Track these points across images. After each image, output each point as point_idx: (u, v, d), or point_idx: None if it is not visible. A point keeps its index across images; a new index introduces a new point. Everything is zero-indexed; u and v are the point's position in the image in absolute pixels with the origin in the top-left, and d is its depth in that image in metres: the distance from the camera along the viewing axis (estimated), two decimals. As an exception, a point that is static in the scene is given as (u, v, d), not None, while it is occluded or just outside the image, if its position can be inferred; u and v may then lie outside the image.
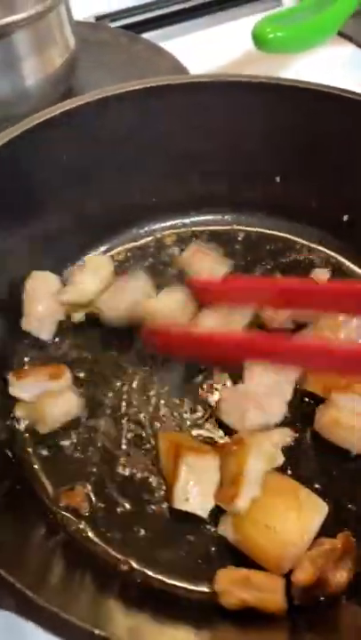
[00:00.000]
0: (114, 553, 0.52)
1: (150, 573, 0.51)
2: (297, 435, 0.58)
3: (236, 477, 0.50)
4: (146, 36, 1.10)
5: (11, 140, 0.61)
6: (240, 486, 0.49)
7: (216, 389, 0.63)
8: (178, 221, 0.77)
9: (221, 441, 0.59)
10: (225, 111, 0.70)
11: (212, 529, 0.53)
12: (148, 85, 0.67)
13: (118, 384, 0.63)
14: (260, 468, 0.50)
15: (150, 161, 0.72)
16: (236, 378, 0.63)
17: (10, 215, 0.64)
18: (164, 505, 0.55)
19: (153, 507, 0.55)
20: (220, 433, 0.60)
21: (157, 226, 0.77)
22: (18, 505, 0.52)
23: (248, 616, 0.46)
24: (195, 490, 0.52)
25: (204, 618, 0.48)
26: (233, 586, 0.45)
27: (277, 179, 0.74)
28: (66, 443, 0.59)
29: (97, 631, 0.33)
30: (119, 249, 0.75)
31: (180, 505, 0.52)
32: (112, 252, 0.75)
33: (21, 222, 0.66)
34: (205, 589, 0.50)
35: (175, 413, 0.61)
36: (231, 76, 0.69)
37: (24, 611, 0.34)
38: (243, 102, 0.69)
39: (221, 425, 0.60)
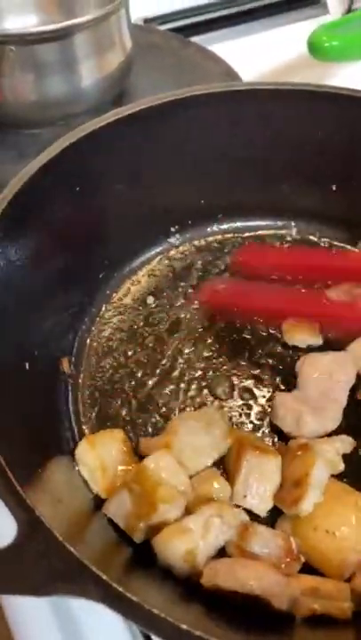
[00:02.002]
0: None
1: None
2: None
3: (302, 480, 0.50)
4: (194, 39, 1.11)
5: (78, 140, 0.62)
6: (305, 489, 0.50)
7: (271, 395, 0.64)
8: (230, 225, 0.78)
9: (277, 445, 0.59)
10: (285, 118, 0.71)
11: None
12: (213, 91, 0.68)
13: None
14: (325, 474, 0.51)
15: (208, 165, 0.73)
16: (290, 384, 0.64)
17: (71, 215, 0.65)
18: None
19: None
20: (275, 438, 0.61)
21: (211, 229, 0.77)
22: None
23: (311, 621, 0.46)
24: (254, 488, 0.53)
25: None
26: (302, 596, 0.45)
27: (333, 187, 0.75)
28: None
29: (184, 626, 0.34)
30: (173, 252, 0.76)
31: (238, 501, 0.53)
32: (168, 254, 0.76)
33: (81, 223, 0.67)
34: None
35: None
36: (297, 84, 0.69)
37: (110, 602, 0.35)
38: (304, 110, 0.70)
39: (275, 430, 0.61)
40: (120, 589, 0.35)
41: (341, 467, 0.54)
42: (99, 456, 0.55)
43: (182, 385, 0.64)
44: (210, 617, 0.42)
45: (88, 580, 0.36)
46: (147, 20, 1.18)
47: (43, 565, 0.36)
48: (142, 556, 0.49)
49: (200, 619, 0.41)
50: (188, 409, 0.62)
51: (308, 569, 0.50)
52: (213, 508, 0.49)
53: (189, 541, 0.47)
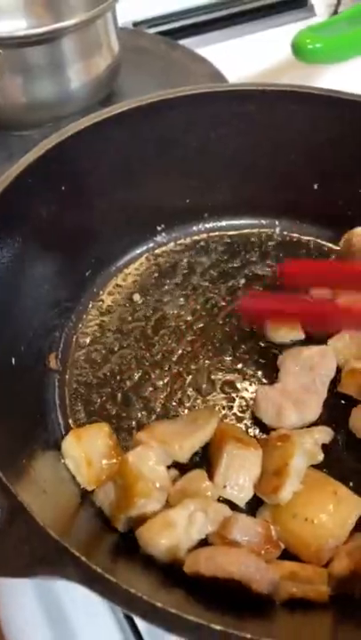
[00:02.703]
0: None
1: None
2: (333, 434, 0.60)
3: (281, 470, 0.52)
4: (182, 42, 1.13)
5: (65, 140, 0.63)
6: (285, 478, 0.51)
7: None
8: (216, 224, 0.80)
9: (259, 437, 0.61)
10: (268, 119, 0.73)
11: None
12: (200, 91, 0.69)
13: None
14: (303, 463, 0.53)
15: (193, 165, 0.75)
16: (272, 378, 0.65)
17: (57, 214, 0.66)
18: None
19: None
20: (257, 430, 0.62)
21: (195, 228, 0.79)
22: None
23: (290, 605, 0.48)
24: (234, 478, 0.54)
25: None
26: (282, 580, 0.47)
27: (315, 186, 0.76)
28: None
29: (159, 604, 0.35)
30: (159, 250, 0.78)
31: (218, 491, 0.54)
32: (154, 252, 0.77)
33: (68, 222, 0.68)
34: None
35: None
36: (280, 85, 0.71)
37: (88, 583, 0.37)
38: (288, 111, 0.72)
39: (257, 422, 0.62)
40: (98, 570, 0.37)
41: (321, 457, 0.56)
42: (84, 449, 0.56)
43: (167, 380, 0.66)
44: (189, 600, 0.43)
45: (67, 562, 0.37)
46: (136, 24, 1.19)
47: (24, 550, 0.38)
48: (127, 544, 0.51)
49: (180, 602, 0.42)
50: (172, 402, 0.64)
51: (288, 555, 0.52)
52: (198, 503, 0.50)
53: (173, 536, 0.48)
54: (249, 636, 0.35)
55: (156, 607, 0.35)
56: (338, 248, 0.76)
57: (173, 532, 0.48)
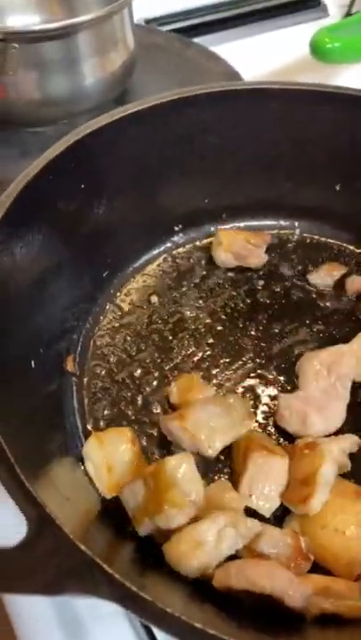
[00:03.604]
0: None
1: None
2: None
3: (310, 479, 0.50)
4: (195, 40, 1.11)
5: (84, 137, 0.62)
6: (314, 488, 0.49)
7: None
8: (234, 225, 0.78)
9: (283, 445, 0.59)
10: (288, 118, 0.71)
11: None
12: (220, 89, 0.68)
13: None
14: (333, 472, 0.51)
15: (212, 164, 0.73)
16: (292, 381, 0.64)
17: (76, 213, 0.65)
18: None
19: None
20: (281, 439, 0.60)
21: (213, 229, 0.77)
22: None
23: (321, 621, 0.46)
24: (260, 488, 0.53)
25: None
26: (313, 595, 0.45)
27: (337, 187, 0.75)
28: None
29: (198, 625, 0.33)
30: (176, 251, 0.76)
31: (244, 501, 0.53)
32: (171, 253, 0.76)
33: (86, 220, 0.67)
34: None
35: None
36: (302, 84, 0.70)
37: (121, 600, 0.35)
38: (310, 110, 0.70)
39: (280, 429, 0.61)
40: (133, 588, 0.35)
41: (349, 466, 0.54)
42: (106, 454, 0.54)
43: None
44: (221, 617, 0.42)
45: (99, 578, 0.35)
46: (148, 21, 1.18)
47: (53, 564, 0.36)
48: (146, 551, 0.49)
49: (213, 618, 0.41)
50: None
51: (317, 568, 0.50)
52: (228, 517, 0.47)
53: (203, 555, 0.45)
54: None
55: (196, 628, 0.33)
56: (360, 251, 0.75)
57: (204, 550, 0.45)
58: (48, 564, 0.35)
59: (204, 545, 0.45)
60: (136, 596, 0.35)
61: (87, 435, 0.59)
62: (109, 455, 0.54)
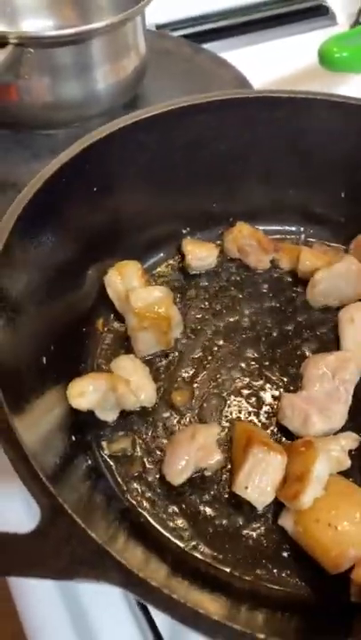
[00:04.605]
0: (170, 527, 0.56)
1: (199, 556, 0.54)
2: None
3: (303, 476, 0.52)
4: (205, 46, 1.13)
5: (98, 141, 0.63)
6: (306, 484, 0.51)
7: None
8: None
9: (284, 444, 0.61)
10: (297, 126, 0.73)
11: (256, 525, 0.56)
12: (230, 97, 0.70)
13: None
14: (326, 469, 0.53)
15: (220, 170, 0.75)
16: (296, 383, 0.66)
17: (87, 215, 0.67)
18: (225, 489, 0.58)
19: (215, 487, 0.58)
20: (283, 438, 0.62)
21: (220, 233, 0.79)
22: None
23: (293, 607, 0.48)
24: (256, 480, 0.55)
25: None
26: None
27: (342, 194, 0.76)
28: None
29: (201, 610, 0.35)
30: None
31: (239, 491, 0.55)
32: (179, 255, 0.77)
33: (97, 222, 0.68)
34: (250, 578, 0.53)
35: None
36: (310, 92, 0.71)
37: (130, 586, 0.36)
38: (317, 118, 0.72)
39: (283, 429, 0.62)
40: (141, 575, 0.37)
41: (348, 463, 0.56)
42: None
43: (195, 385, 0.66)
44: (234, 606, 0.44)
45: (109, 565, 0.37)
46: (159, 26, 1.20)
47: (65, 550, 0.37)
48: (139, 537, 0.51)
49: (220, 603, 0.43)
50: (197, 409, 0.64)
51: (305, 558, 0.53)
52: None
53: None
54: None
55: (199, 613, 0.35)
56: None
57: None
58: (61, 550, 0.37)
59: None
60: (143, 582, 0.36)
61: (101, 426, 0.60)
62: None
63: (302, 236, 0.80)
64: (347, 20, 1.29)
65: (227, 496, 0.58)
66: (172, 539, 0.55)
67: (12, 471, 0.40)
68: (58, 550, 0.37)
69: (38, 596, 0.56)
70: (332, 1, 1.30)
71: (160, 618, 0.53)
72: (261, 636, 0.35)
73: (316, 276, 0.71)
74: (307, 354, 0.69)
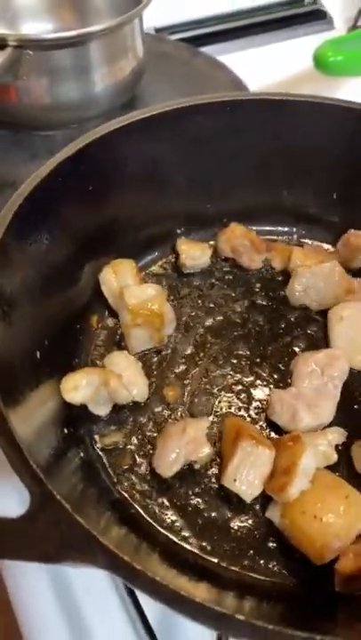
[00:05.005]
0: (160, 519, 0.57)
1: (188, 547, 0.56)
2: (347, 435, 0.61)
3: (290, 469, 0.53)
4: (203, 49, 1.15)
5: (94, 140, 0.65)
6: (292, 477, 0.53)
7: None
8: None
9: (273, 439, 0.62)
10: (290, 128, 0.74)
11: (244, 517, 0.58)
12: (226, 99, 0.71)
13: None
14: (313, 463, 0.54)
15: (215, 171, 0.76)
16: (286, 380, 0.67)
17: (83, 214, 0.68)
18: (214, 482, 0.60)
19: (205, 480, 0.60)
20: (272, 434, 0.63)
21: (214, 233, 0.80)
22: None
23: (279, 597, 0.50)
24: (245, 473, 0.56)
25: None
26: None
27: (334, 195, 0.78)
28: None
29: (183, 592, 0.37)
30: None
31: (227, 484, 0.56)
32: (173, 255, 0.79)
33: (92, 221, 0.70)
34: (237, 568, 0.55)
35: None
36: (304, 96, 0.73)
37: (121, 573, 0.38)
38: (311, 121, 0.73)
39: (272, 425, 0.64)
40: (126, 559, 0.38)
41: (335, 458, 0.57)
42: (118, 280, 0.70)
43: (186, 381, 0.67)
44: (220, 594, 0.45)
45: (97, 549, 0.38)
46: (157, 30, 1.21)
47: (54, 534, 0.39)
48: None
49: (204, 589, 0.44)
50: (187, 404, 0.66)
51: (291, 550, 0.54)
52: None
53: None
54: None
55: (181, 595, 0.36)
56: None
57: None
58: (50, 535, 0.39)
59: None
60: (129, 565, 0.38)
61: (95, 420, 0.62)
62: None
63: (295, 237, 0.81)
64: (344, 24, 1.30)
65: (216, 489, 0.59)
66: (162, 530, 0.56)
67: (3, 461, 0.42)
68: (47, 534, 0.39)
69: (32, 589, 0.58)
70: (330, 5, 1.32)
71: (149, 607, 0.55)
72: (241, 617, 0.36)
73: (298, 273, 0.72)
74: (297, 351, 0.70)
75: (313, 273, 0.72)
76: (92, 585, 0.58)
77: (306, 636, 0.36)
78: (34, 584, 0.58)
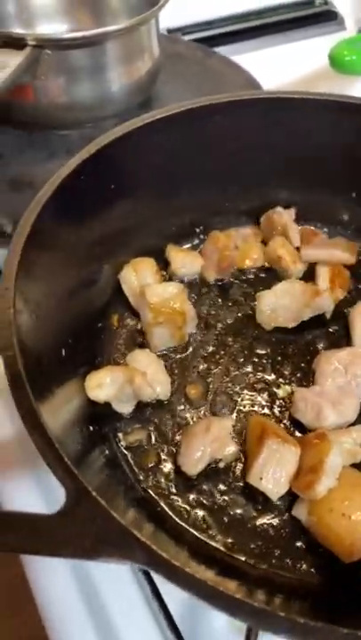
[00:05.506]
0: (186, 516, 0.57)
1: (215, 545, 0.55)
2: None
3: (317, 467, 0.53)
4: (217, 50, 1.15)
5: (115, 140, 0.65)
6: (320, 474, 0.53)
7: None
8: (255, 227, 0.81)
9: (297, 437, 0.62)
10: (309, 127, 0.75)
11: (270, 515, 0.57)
12: (243, 98, 0.71)
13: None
14: (339, 461, 0.54)
15: (233, 169, 0.76)
16: (308, 378, 0.67)
17: (103, 213, 0.68)
18: (239, 480, 0.59)
19: (230, 479, 0.59)
20: (297, 432, 0.63)
21: (236, 230, 0.80)
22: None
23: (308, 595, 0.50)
24: (271, 472, 0.56)
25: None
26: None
27: (353, 194, 0.78)
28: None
29: (221, 588, 0.36)
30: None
31: (253, 482, 0.56)
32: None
33: (112, 220, 0.70)
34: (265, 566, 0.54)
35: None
36: (322, 94, 0.73)
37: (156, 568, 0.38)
38: (328, 120, 0.73)
39: (296, 423, 0.64)
40: (164, 555, 0.38)
41: (360, 456, 0.57)
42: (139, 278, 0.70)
43: (209, 380, 0.67)
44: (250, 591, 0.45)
45: (134, 545, 0.38)
46: (171, 31, 1.21)
47: (90, 530, 0.39)
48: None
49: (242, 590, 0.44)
50: (210, 404, 0.65)
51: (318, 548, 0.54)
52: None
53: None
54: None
55: (220, 592, 0.36)
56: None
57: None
58: (86, 531, 0.39)
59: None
60: (167, 562, 0.37)
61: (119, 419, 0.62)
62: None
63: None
64: (355, 24, 1.31)
65: (241, 487, 0.59)
66: (188, 527, 0.56)
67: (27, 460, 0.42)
68: (83, 530, 0.39)
69: (54, 581, 0.57)
70: (341, 6, 1.32)
71: (173, 604, 0.54)
72: (282, 613, 0.36)
73: (261, 301, 0.71)
74: (319, 349, 0.70)
75: (276, 295, 0.71)
76: (114, 577, 0.57)
77: (346, 632, 0.36)
78: (57, 578, 0.58)
